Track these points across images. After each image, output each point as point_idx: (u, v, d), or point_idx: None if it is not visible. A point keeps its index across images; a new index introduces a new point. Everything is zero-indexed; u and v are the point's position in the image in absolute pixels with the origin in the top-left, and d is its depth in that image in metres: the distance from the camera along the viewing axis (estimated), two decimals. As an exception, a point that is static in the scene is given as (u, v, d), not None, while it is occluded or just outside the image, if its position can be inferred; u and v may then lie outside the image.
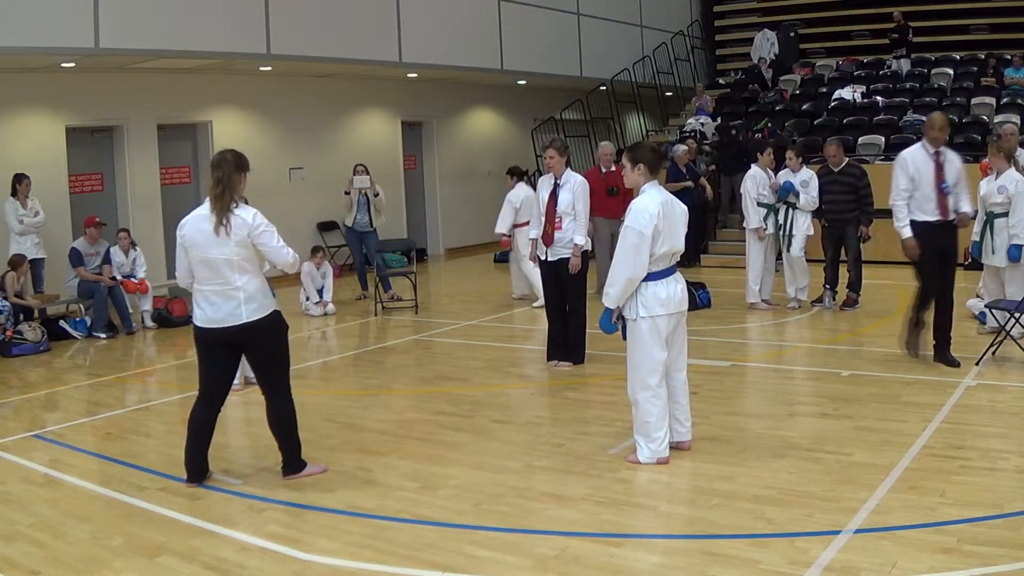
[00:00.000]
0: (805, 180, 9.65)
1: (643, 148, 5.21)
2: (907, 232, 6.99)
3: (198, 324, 4.97)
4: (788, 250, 9.72)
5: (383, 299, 11.16)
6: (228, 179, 4.78)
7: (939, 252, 6.96)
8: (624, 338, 5.14)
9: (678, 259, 5.16)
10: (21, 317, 9.51)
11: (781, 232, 9.76)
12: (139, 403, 7.22)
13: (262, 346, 4.98)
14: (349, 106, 15.13)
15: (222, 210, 4.75)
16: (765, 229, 9.86)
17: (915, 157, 6.96)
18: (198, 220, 4.84)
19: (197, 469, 5.07)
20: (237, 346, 5.00)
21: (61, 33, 10.03)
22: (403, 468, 5.27)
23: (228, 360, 5.09)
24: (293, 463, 5.15)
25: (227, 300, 4.82)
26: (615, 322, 5.10)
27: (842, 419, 5.87)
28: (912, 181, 6.91)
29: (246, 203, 4.97)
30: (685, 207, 5.20)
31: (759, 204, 9.89)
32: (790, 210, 9.68)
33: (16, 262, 9.72)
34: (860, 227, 9.51)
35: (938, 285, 7.02)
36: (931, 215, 6.88)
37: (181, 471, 5.10)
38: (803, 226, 9.68)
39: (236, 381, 7.18)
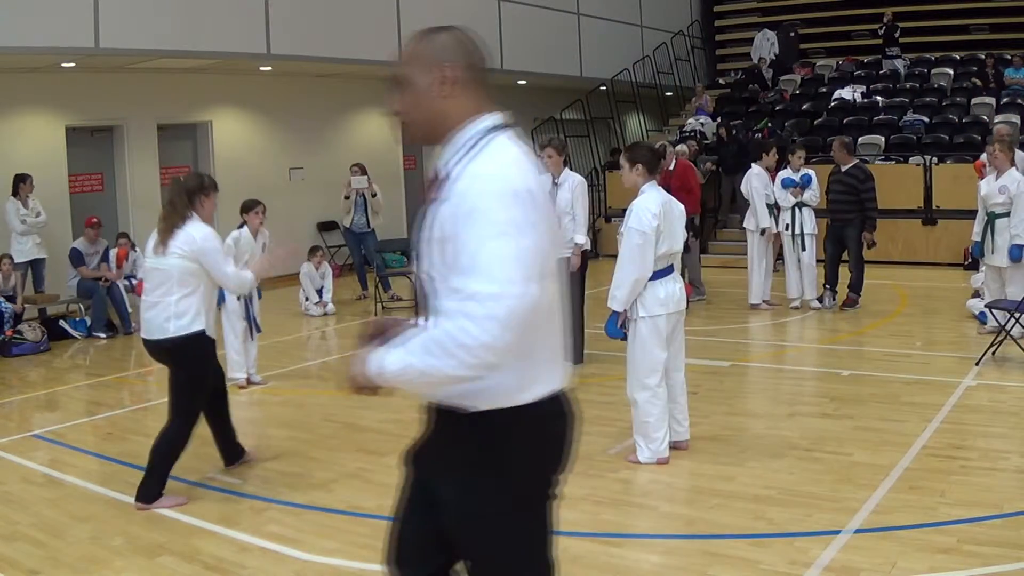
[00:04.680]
0: (807, 176, 9.67)
1: (641, 148, 5.24)
2: None
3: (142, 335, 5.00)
4: (804, 249, 9.67)
5: (383, 299, 11.15)
6: (174, 202, 4.86)
7: None
8: (624, 339, 5.14)
9: (676, 259, 5.17)
10: (23, 316, 9.49)
11: (790, 232, 9.72)
12: (139, 403, 7.21)
13: (177, 365, 4.84)
14: (349, 106, 15.11)
15: (164, 231, 4.80)
16: (774, 229, 9.85)
17: None
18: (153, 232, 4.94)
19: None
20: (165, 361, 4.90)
21: (61, 33, 10.02)
22: (403, 468, 5.26)
23: None
24: (148, 491, 4.77)
25: (159, 312, 4.76)
26: (620, 327, 5.08)
27: (842, 419, 5.87)
28: None
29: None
30: (683, 207, 5.23)
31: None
32: (797, 209, 9.65)
33: None
34: (864, 232, 9.43)
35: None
36: None
37: (181, 471, 5.07)
38: (810, 225, 9.66)
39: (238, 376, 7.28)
